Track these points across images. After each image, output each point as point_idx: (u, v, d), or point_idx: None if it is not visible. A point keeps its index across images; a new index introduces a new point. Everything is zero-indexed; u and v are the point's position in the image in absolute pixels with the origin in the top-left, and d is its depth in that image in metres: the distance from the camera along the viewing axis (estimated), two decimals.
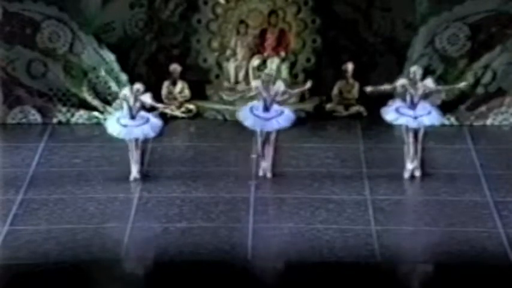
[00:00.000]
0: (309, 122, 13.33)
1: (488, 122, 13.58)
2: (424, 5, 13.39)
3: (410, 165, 11.81)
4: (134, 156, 11.74)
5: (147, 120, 11.71)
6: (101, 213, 11.13)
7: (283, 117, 11.76)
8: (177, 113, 13.71)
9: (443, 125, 13.47)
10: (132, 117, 11.70)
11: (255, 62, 13.82)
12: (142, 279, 10.10)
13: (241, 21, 13.84)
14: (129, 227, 10.84)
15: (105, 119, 13.14)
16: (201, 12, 13.98)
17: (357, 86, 13.77)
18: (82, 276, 10.01)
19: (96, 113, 13.60)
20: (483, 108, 13.54)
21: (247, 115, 11.81)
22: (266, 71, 12.67)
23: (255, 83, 12.01)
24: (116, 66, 13.57)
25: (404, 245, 10.53)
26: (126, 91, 11.92)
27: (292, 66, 13.91)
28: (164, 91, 13.73)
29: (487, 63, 13.45)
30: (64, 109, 13.55)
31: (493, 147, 12.84)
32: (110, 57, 13.55)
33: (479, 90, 13.53)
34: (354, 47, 13.93)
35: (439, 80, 13.39)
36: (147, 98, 11.82)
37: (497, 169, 12.08)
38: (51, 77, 13.50)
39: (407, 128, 11.84)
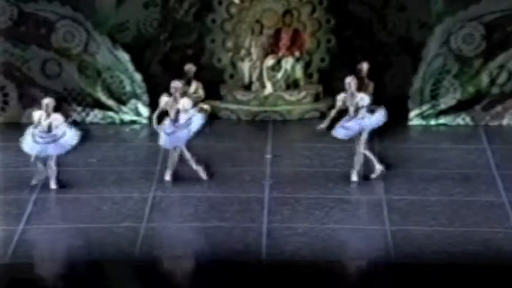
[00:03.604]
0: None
1: (504, 122, 13.52)
2: (440, 4, 13.35)
3: (379, 167, 11.69)
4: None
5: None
6: (116, 212, 11.14)
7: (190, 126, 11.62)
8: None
9: (458, 125, 13.46)
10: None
11: (270, 61, 13.81)
12: (156, 278, 10.10)
13: (256, 21, 13.84)
14: (143, 226, 10.85)
15: (119, 119, 13.16)
16: (216, 12, 13.98)
17: (371, 85, 13.73)
18: (96, 275, 10.03)
19: (110, 113, 13.63)
20: (499, 108, 13.49)
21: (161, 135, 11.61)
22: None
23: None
24: (130, 66, 13.59)
25: (419, 245, 10.49)
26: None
27: (306, 66, 13.90)
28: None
29: (503, 63, 13.40)
30: (79, 109, 13.58)
31: (508, 148, 12.78)
32: (124, 57, 13.58)
33: (495, 90, 13.48)
34: (369, 47, 13.90)
35: (455, 79, 13.37)
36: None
37: None
38: (66, 77, 13.54)
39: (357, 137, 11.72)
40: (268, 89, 13.83)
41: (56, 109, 11.67)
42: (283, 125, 13.50)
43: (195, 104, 13.86)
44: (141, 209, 11.21)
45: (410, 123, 13.51)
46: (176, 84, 11.88)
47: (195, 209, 11.24)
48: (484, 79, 13.41)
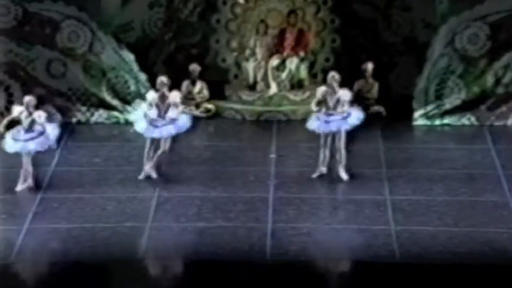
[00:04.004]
0: None
1: (509, 122, 13.49)
2: (444, 4, 13.32)
3: (323, 169, 11.68)
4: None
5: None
6: (120, 212, 11.14)
7: (175, 124, 11.62)
8: (196, 112, 13.71)
9: (463, 125, 13.44)
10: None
11: (274, 61, 13.81)
12: (161, 278, 10.10)
13: (261, 21, 13.83)
14: (148, 226, 10.85)
15: (124, 119, 13.15)
16: (220, 12, 13.98)
17: (376, 86, 13.73)
18: (101, 275, 10.02)
19: (115, 113, 13.63)
20: (504, 108, 13.47)
21: (140, 119, 11.66)
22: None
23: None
24: (135, 66, 13.59)
25: (423, 246, 10.48)
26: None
27: (311, 66, 13.89)
28: (183, 91, 13.73)
29: (508, 63, 13.37)
30: (83, 108, 13.58)
31: None
32: (129, 56, 13.58)
33: (500, 90, 13.45)
34: (373, 47, 13.89)
35: (459, 79, 13.35)
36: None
37: None
38: (71, 77, 13.54)
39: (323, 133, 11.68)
40: (273, 89, 13.83)
41: (36, 107, 11.67)
42: (287, 125, 13.49)
43: (199, 105, 13.91)
44: (146, 208, 11.21)
45: (415, 123, 13.49)
46: (162, 79, 11.86)
47: (200, 209, 11.23)
48: (489, 79, 13.39)
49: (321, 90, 11.78)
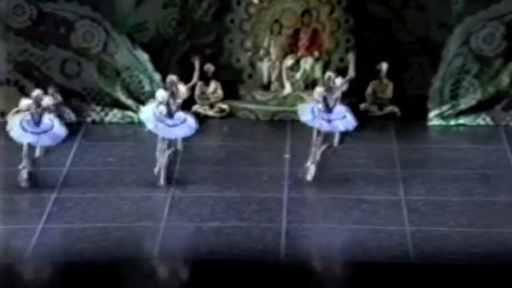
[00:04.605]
0: None
1: None
2: (460, 4, 13.27)
3: (310, 166, 11.63)
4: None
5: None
6: (134, 212, 11.14)
7: (186, 125, 11.58)
8: (210, 112, 13.71)
9: (478, 125, 13.38)
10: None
11: (289, 62, 13.79)
12: (175, 278, 10.10)
13: (275, 21, 13.81)
14: (162, 226, 10.85)
15: (139, 119, 13.15)
16: (234, 12, 13.97)
17: (390, 86, 13.69)
18: (115, 275, 10.03)
19: (129, 113, 13.64)
20: None
21: (150, 118, 11.61)
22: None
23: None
24: (150, 66, 13.60)
25: (438, 246, 10.45)
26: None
27: (325, 66, 13.86)
28: (197, 91, 13.73)
29: None
30: (98, 108, 13.60)
31: None
32: (143, 56, 13.59)
33: None
34: (388, 47, 13.85)
35: (475, 79, 13.29)
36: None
37: None
38: (85, 77, 13.56)
39: (319, 131, 11.66)
40: (287, 89, 13.81)
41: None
42: (301, 125, 13.45)
43: (213, 105, 13.90)
44: (160, 208, 11.21)
45: (430, 123, 13.45)
46: (172, 78, 11.83)
47: (213, 209, 11.22)
48: (504, 79, 13.33)
49: (319, 91, 11.76)
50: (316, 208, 11.24)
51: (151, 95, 13.61)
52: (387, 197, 11.43)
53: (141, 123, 13.46)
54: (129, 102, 13.63)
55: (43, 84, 13.52)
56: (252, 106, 13.76)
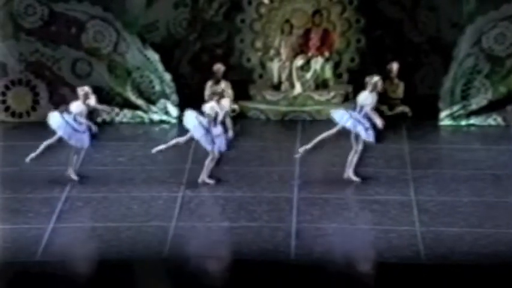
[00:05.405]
0: None
1: None
2: (471, 4, 13.25)
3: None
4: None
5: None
6: (145, 212, 11.16)
7: (222, 139, 11.56)
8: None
9: (489, 126, 13.34)
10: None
11: (299, 61, 13.79)
12: (185, 277, 10.11)
13: (286, 21, 13.81)
14: (172, 226, 10.86)
15: (149, 118, 13.16)
16: (245, 12, 13.98)
17: (401, 86, 13.67)
18: (125, 274, 10.04)
19: (140, 112, 13.66)
20: None
21: (195, 123, 11.56)
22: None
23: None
24: (160, 66, 13.62)
25: (449, 247, 10.42)
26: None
27: (336, 66, 13.86)
28: (207, 91, 13.74)
29: None
30: (108, 108, 13.62)
31: None
32: (154, 56, 13.61)
33: None
34: (399, 47, 13.83)
35: (486, 79, 13.25)
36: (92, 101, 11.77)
37: None
38: (96, 77, 13.59)
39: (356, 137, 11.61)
40: (298, 89, 13.81)
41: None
42: (312, 125, 13.47)
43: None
44: (171, 208, 11.22)
45: (441, 123, 13.43)
46: (215, 88, 11.82)
47: (224, 209, 11.23)
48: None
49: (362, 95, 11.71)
50: (326, 208, 11.23)
51: (162, 95, 13.65)
52: (398, 197, 11.41)
53: (151, 123, 13.51)
54: (140, 102, 13.65)
55: (54, 84, 13.57)
56: (263, 106, 13.76)
